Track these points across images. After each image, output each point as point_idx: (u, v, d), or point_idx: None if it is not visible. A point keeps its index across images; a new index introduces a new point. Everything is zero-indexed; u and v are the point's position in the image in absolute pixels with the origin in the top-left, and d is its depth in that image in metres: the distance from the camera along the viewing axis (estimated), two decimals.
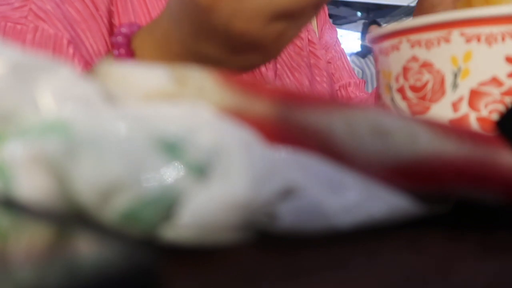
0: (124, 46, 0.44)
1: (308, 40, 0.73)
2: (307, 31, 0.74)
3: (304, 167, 0.19)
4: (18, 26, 0.51)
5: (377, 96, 0.46)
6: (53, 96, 0.17)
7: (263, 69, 0.63)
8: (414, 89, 0.41)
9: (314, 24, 0.79)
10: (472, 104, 0.38)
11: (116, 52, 0.44)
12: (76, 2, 0.53)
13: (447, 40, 0.38)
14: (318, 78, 0.72)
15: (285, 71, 0.66)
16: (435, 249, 0.19)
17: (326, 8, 0.85)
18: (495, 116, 0.37)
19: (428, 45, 0.39)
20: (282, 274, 0.15)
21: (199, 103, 0.19)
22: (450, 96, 0.39)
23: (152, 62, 0.42)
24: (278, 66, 0.66)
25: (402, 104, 0.42)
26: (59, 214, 0.15)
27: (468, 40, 0.38)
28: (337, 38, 0.84)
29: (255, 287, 0.14)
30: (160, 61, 0.42)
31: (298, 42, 0.70)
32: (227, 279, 0.15)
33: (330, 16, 0.87)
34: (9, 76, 0.17)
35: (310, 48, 0.72)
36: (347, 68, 0.82)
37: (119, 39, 0.44)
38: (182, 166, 0.17)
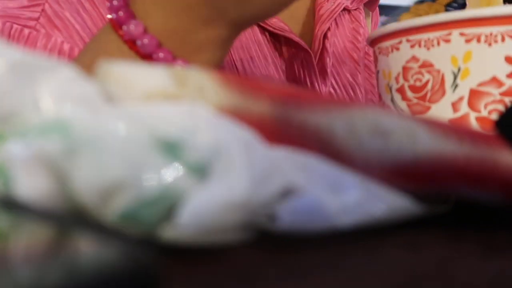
0: (122, 9, 0.37)
1: (365, 52, 0.68)
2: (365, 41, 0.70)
3: (304, 167, 0.19)
4: (26, 30, 0.45)
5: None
6: (53, 96, 0.17)
7: (305, 78, 0.59)
8: (414, 89, 0.41)
9: (368, 29, 0.74)
10: (472, 104, 0.38)
11: (113, 15, 0.37)
12: (100, 9, 0.48)
13: (447, 40, 0.38)
14: (370, 96, 0.68)
15: (339, 88, 0.63)
16: (435, 249, 0.19)
17: (378, 13, 0.80)
18: (495, 116, 0.37)
19: (428, 45, 0.39)
20: (282, 274, 0.15)
21: (198, 103, 0.19)
22: (450, 96, 0.39)
23: (155, 21, 0.37)
24: (333, 82, 0.63)
25: (402, 104, 0.42)
26: (59, 214, 0.15)
27: (468, 40, 0.38)
28: None
29: (255, 287, 0.14)
30: (165, 19, 0.37)
31: (355, 54, 0.65)
32: (227, 279, 0.15)
33: None
34: (9, 76, 0.17)
35: (366, 62, 0.68)
36: None
37: (115, 2, 0.38)
38: (181, 166, 0.17)
